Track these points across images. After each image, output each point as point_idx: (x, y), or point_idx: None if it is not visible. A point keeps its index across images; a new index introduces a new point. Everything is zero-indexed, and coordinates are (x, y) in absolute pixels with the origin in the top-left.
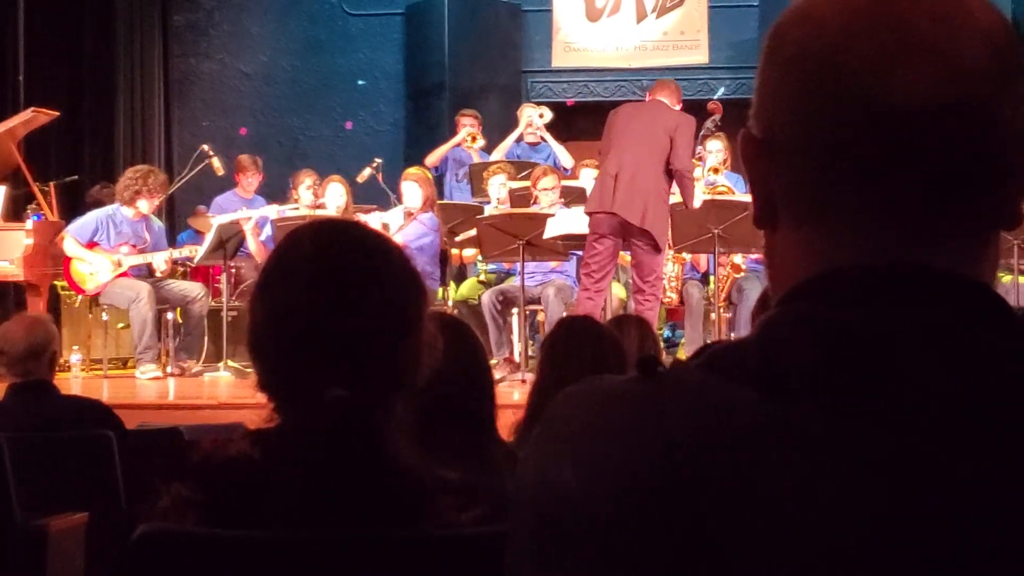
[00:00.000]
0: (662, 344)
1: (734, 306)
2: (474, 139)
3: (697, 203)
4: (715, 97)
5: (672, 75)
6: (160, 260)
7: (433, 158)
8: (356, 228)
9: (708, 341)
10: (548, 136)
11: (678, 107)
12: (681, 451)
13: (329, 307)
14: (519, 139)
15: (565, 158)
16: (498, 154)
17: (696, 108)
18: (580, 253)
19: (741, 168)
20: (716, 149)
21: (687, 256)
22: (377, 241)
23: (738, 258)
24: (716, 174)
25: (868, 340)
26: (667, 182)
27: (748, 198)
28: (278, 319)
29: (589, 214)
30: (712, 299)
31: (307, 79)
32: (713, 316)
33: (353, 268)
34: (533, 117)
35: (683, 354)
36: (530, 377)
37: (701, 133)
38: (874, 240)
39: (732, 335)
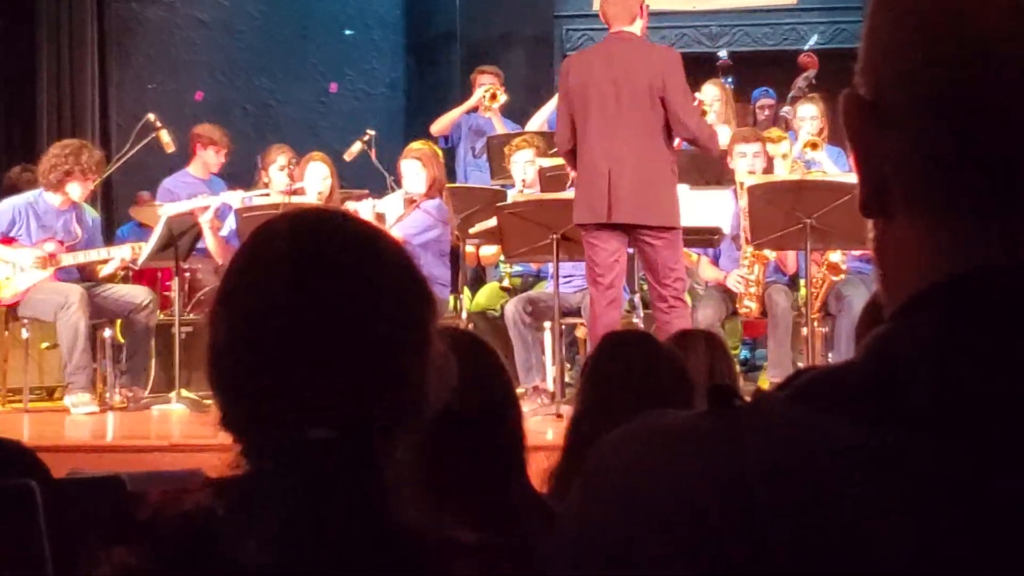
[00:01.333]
0: (738, 368)
1: (832, 318)
2: (494, 97)
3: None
4: (807, 48)
5: (753, 20)
6: (127, 251)
7: (440, 125)
8: (343, 221)
9: (799, 365)
10: None
11: (643, 22)
12: (761, 497)
13: (310, 323)
14: None
15: None
16: (535, 124)
17: (783, 62)
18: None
19: (844, 140)
20: (810, 115)
21: (770, 254)
22: (371, 237)
23: (836, 256)
24: (815, 150)
25: (1005, 365)
26: (670, 152)
27: (851, 177)
28: (246, 338)
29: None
30: (803, 309)
31: (280, 29)
32: (805, 331)
33: (340, 273)
34: None
35: (766, 381)
36: (568, 410)
37: (791, 95)
38: (1015, 235)
39: (830, 356)
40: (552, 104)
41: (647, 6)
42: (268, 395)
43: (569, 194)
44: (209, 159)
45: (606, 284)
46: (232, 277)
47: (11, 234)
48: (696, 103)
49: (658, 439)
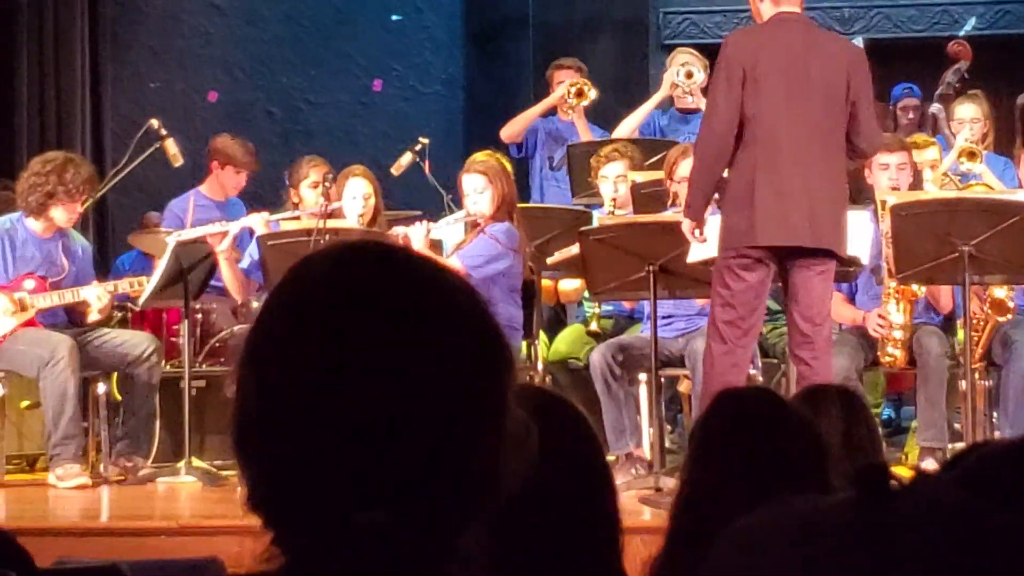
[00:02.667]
0: (881, 430)
1: (997, 369)
2: (580, 94)
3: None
4: (960, 35)
5: (893, 1)
6: (93, 295)
7: (512, 129)
8: (399, 258)
9: (956, 427)
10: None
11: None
12: None
13: (358, 383)
14: (667, 104)
15: None
16: (627, 129)
17: (932, 53)
18: None
19: (1011, 147)
20: (970, 117)
21: (919, 289)
22: (437, 278)
23: (1002, 292)
24: (973, 161)
25: None
26: (843, 161)
27: (1021, 195)
28: (280, 400)
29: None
30: (961, 358)
31: (312, 15)
32: (963, 385)
33: (393, 325)
34: (678, 74)
35: (915, 447)
36: (669, 483)
37: (938, 91)
38: None
39: (995, 416)
40: (648, 106)
41: None
42: (305, 473)
43: (668, 216)
44: (227, 181)
45: (744, 328)
46: (262, 327)
47: None
48: None
49: (795, 532)
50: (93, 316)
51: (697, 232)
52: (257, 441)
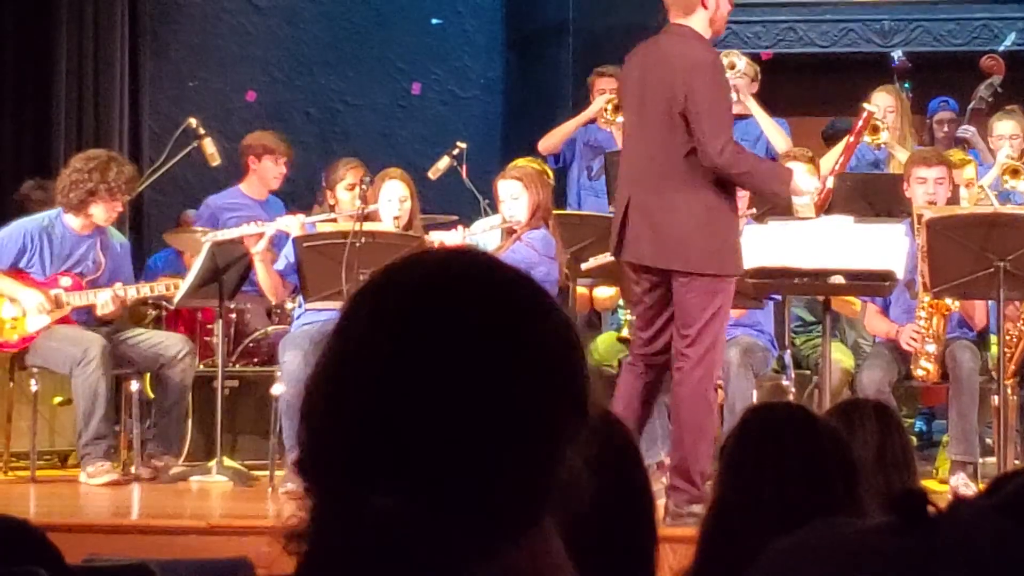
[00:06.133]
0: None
1: None
2: (616, 108)
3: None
4: (1000, 49)
5: (936, 13)
6: (104, 298)
7: (550, 141)
8: (506, 280)
9: (988, 441)
10: (755, 105)
11: (708, 13)
12: None
13: (419, 387)
14: None
15: (779, 141)
16: None
17: (971, 67)
18: (778, 297)
19: None
20: (1008, 133)
21: (953, 303)
22: (524, 299)
23: None
24: (1017, 178)
25: None
26: (707, 185)
27: None
28: (342, 382)
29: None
30: (994, 373)
31: (351, 16)
32: (995, 400)
33: (474, 339)
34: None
35: (946, 461)
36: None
37: (970, 107)
38: None
39: None
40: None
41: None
42: (346, 446)
43: None
44: (267, 172)
45: (646, 338)
46: (350, 309)
47: (21, 265)
48: (865, 111)
49: (836, 558)
50: (100, 310)
51: None
52: (316, 410)
